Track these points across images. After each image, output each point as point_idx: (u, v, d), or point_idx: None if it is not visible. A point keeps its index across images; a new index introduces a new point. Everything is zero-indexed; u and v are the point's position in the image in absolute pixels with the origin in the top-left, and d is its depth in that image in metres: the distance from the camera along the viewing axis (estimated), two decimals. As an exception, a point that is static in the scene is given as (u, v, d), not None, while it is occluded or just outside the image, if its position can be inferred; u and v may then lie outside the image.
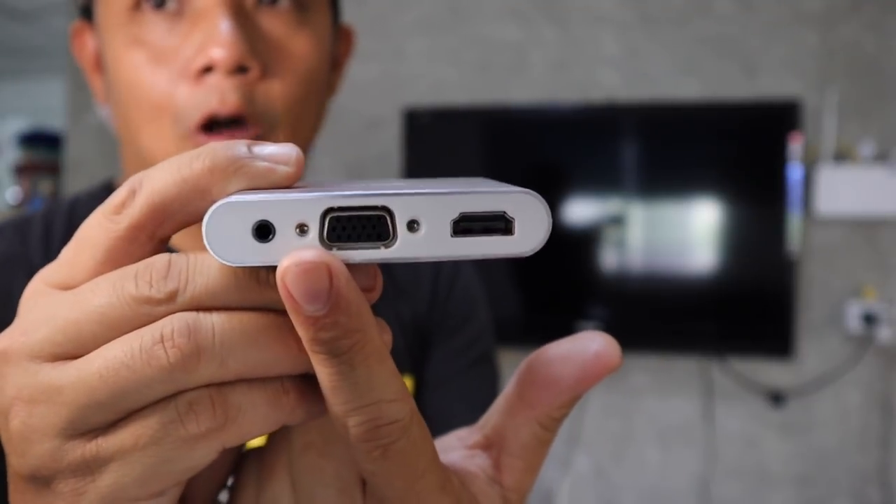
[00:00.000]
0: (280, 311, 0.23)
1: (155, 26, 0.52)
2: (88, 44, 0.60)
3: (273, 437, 0.28)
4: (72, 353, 0.23)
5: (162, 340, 0.22)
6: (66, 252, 0.24)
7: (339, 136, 2.12)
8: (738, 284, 1.90)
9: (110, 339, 0.22)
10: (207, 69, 0.51)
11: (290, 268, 0.20)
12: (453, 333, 0.66)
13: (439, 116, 2.02)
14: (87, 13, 0.59)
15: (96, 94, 0.61)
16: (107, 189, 0.63)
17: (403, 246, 0.22)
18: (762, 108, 1.87)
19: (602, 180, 1.96)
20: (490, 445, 0.29)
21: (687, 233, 1.92)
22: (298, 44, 0.55)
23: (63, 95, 2.47)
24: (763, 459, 1.95)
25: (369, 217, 0.22)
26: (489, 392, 0.67)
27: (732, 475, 1.96)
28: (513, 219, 0.22)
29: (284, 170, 0.23)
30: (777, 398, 1.92)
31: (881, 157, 1.87)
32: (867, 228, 1.89)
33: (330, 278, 0.20)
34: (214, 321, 0.22)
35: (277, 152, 0.23)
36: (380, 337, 0.22)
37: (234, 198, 0.21)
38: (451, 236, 0.22)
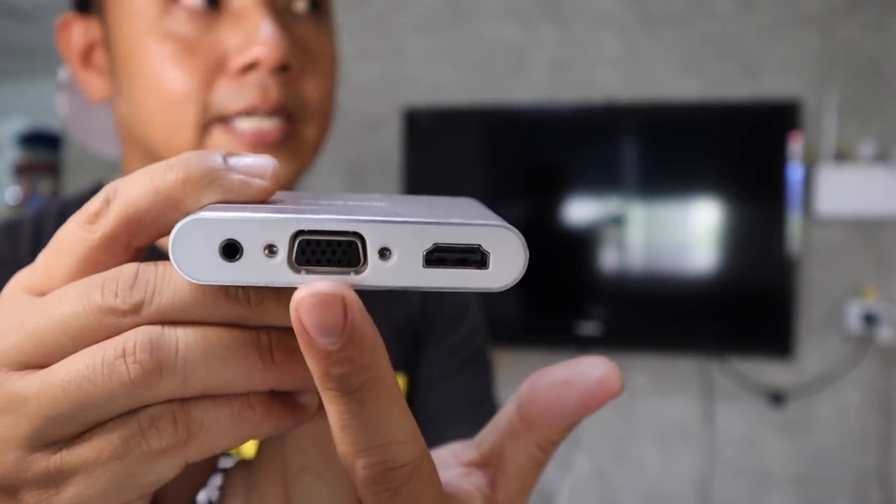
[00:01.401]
0: (246, 328, 0.22)
1: (189, 23, 0.53)
2: (76, 37, 0.60)
3: (265, 455, 0.27)
4: (38, 363, 0.22)
5: (124, 355, 0.21)
6: (42, 258, 0.24)
7: (339, 136, 2.11)
8: (738, 284, 1.90)
9: (76, 349, 0.22)
10: (250, 67, 0.52)
11: (304, 299, 0.19)
12: (446, 333, 0.66)
13: (439, 116, 2.02)
14: (82, 6, 0.59)
15: (86, 89, 0.60)
16: (96, 192, 0.63)
17: (374, 273, 0.21)
18: (762, 108, 1.87)
19: (602, 180, 1.96)
20: (486, 464, 0.29)
21: (687, 233, 1.92)
22: (324, 48, 0.58)
23: (58, 87, 2.47)
24: (763, 459, 1.95)
25: (340, 242, 0.21)
26: (482, 391, 0.67)
27: (732, 475, 1.96)
28: (488, 252, 0.21)
29: (259, 184, 0.22)
30: (777, 398, 1.92)
31: (881, 157, 1.87)
32: (867, 228, 1.89)
33: (345, 311, 0.19)
34: (179, 336, 0.22)
35: (253, 164, 0.23)
36: (393, 376, 0.22)
37: (201, 214, 0.21)
38: (424, 266, 0.21)
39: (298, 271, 0.21)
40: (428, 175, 2.02)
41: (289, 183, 0.57)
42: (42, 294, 0.23)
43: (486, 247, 0.21)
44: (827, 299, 1.91)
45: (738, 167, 1.91)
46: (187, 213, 0.21)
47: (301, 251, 0.21)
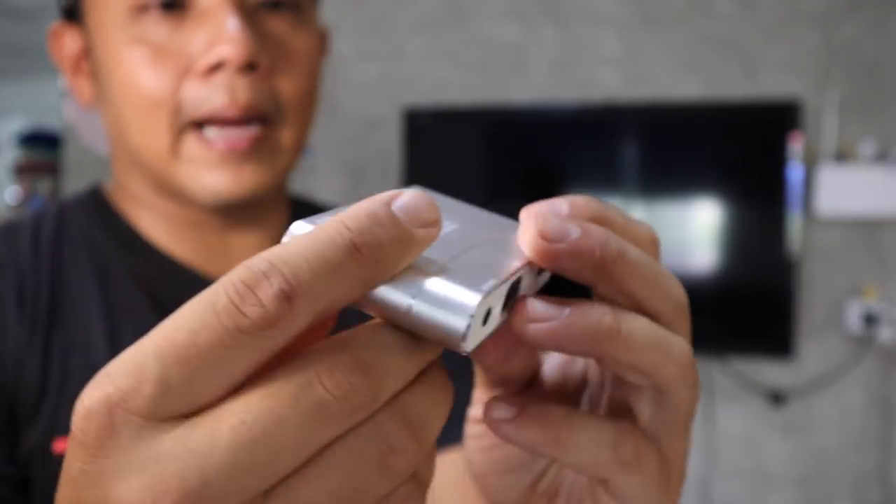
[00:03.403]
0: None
1: (158, 26, 0.52)
2: (68, 45, 0.60)
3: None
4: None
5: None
6: (166, 372, 0.18)
7: (339, 136, 2.12)
8: (738, 284, 1.90)
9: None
10: (217, 66, 0.51)
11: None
12: None
13: (439, 116, 2.02)
14: (70, 14, 0.59)
15: (78, 95, 0.60)
16: (94, 196, 0.62)
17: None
18: (762, 108, 1.87)
19: (602, 180, 1.96)
20: (556, 492, 0.34)
21: (687, 233, 1.91)
22: (300, 43, 0.56)
23: (63, 95, 2.47)
24: (763, 459, 1.95)
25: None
26: None
27: (732, 475, 1.96)
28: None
29: (436, 232, 0.21)
30: (777, 398, 1.92)
31: (881, 157, 1.87)
32: (867, 228, 1.89)
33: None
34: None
35: (420, 209, 0.21)
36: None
37: (454, 300, 0.21)
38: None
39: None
40: (428, 175, 2.02)
41: (267, 190, 0.55)
42: (187, 416, 0.19)
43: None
44: (827, 299, 1.91)
45: (738, 167, 1.91)
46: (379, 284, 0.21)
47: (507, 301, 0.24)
